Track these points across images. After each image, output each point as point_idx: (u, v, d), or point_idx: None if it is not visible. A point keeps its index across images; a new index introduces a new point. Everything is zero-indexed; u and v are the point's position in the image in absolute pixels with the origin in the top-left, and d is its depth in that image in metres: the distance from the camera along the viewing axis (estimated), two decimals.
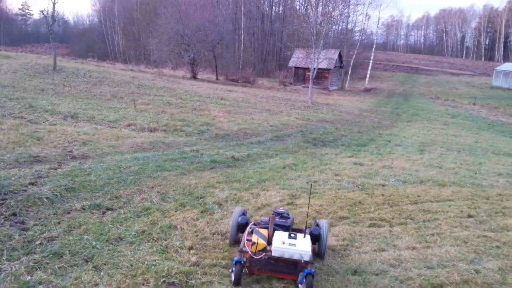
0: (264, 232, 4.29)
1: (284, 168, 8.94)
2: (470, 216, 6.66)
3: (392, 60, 71.51)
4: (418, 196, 7.46)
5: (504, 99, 35.99)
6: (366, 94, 36.75)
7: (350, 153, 11.44)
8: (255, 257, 4.05)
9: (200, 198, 6.42)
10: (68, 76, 21.61)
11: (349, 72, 42.56)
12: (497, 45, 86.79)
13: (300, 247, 3.96)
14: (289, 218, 4.68)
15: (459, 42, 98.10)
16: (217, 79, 37.56)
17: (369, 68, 43.86)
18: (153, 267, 4.15)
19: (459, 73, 59.80)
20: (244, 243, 4.22)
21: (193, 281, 3.98)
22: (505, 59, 77.66)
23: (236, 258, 4.03)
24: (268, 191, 7.04)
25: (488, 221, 6.51)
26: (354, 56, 42.81)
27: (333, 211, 6.33)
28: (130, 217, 5.43)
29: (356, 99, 31.93)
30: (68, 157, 8.05)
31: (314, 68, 25.28)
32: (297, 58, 38.61)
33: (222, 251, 4.70)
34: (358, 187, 7.84)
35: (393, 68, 62.99)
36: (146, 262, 4.23)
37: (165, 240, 4.83)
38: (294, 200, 6.74)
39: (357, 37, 46.56)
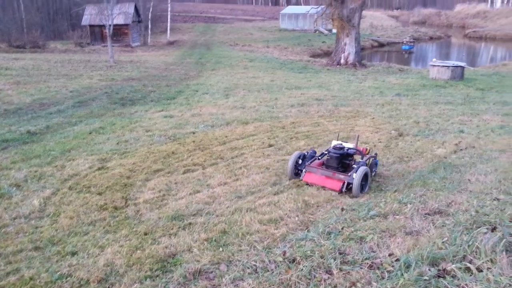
0: None
1: (90, 133, 8.40)
2: (270, 145, 7.49)
3: (190, 11, 72.00)
4: (226, 137, 7.99)
5: (291, 39, 40.29)
6: (170, 47, 36.51)
7: (160, 108, 11.39)
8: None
9: None
10: None
11: (150, 26, 41.36)
12: None
13: None
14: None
15: None
16: None
17: (169, 20, 43.39)
18: None
19: (252, 19, 64.14)
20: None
21: None
22: (288, 3, 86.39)
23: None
24: (74, 161, 6.56)
25: (285, 146, 7.43)
26: (151, 8, 41.54)
27: (147, 166, 6.30)
28: None
29: (161, 53, 31.46)
30: None
31: (110, 25, 23.73)
32: (90, 15, 35.46)
33: (27, 234, 4.25)
34: (170, 139, 7.94)
35: (192, 19, 63.64)
36: None
37: None
38: (105, 163, 6.46)
39: None
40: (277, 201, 4.97)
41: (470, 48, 40.65)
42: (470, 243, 3.28)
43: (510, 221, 3.71)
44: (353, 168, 5.46)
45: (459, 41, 46.65)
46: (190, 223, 4.43)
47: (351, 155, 5.72)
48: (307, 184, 5.50)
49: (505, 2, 67.57)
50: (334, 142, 5.94)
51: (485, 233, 3.45)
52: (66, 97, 12.95)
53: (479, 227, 3.60)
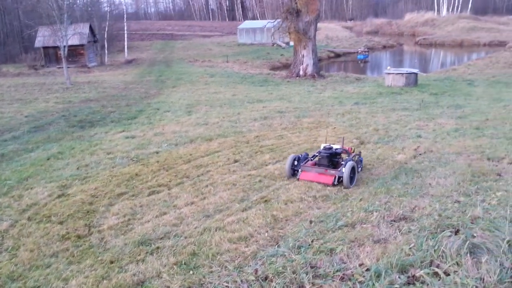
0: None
1: (48, 159, 8.10)
2: (236, 161, 7.46)
3: (147, 29, 71.36)
4: (190, 155, 7.90)
5: (250, 53, 40.66)
6: (128, 66, 36.01)
7: (121, 128, 11.15)
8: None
9: None
10: None
11: (106, 46, 40.65)
12: (236, 6, 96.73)
13: None
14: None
15: (204, 6, 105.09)
16: None
17: (125, 39, 42.83)
18: None
19: (210, 35, 64.30)
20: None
21: None
22: (245, 17, 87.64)
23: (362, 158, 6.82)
24: (32, 189, 6.29)
25: (250, 161, 7.42)
26: (107, 28, 40.87)
27: (110, 190, 6.12)
28: None
29: (119, 72, 30.94)
30: None
31: (65, 46, 23.14)
32: (44, 37, 34.41)
33: None
34: (133, 160, 7.77)
35: (149, 36, 63.05)
36: None
37: None
38: (65, 190, 6.22)
39: (105, 8, 44.48)
40: (245, 217, 4.94)
41: (422, 55, 42.43)
42: (436, 247, 3.37)
43: (472, 223, 3.84)
44: (341, 164, 6.28)
45: (410, 49, 48.61)
46: (158, 247, 4.32)
47: (339, 154, 6.60)
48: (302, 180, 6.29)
49: (450, 10, 71.18)
50: (323, 145, 6.76)
51: (449, 236, 3.56)
52: (21, 122, 12.47)
53: (443, 231, 3.71)
